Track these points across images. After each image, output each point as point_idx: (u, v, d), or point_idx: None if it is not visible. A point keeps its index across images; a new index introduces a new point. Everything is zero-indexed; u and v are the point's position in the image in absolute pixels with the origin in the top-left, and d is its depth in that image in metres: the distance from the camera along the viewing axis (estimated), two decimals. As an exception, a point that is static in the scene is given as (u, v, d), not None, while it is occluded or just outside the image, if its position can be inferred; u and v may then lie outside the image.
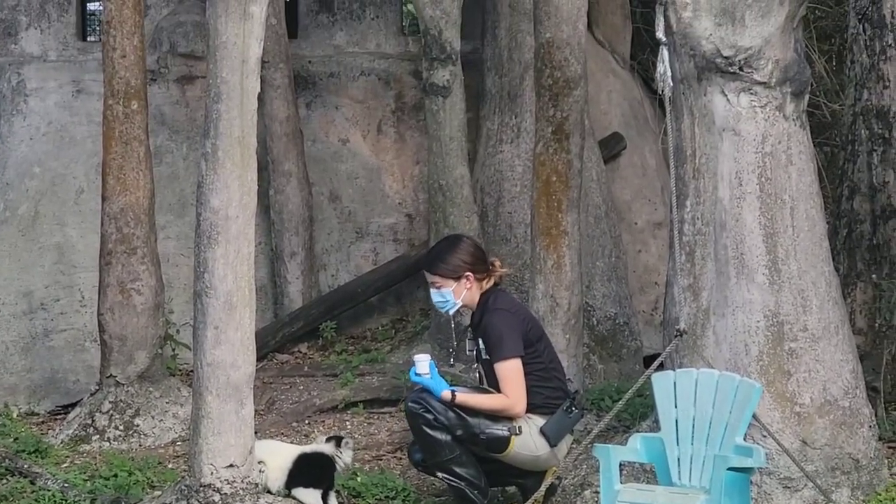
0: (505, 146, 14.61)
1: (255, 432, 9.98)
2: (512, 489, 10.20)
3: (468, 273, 9.41)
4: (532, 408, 9.39)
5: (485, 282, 9.54)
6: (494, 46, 14.70)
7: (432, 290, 9.61)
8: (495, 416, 9.36)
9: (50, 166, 14.83)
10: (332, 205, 15.82)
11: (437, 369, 9.35)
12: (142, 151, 12.52)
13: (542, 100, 11.96)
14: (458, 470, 9.40)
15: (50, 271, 14.44)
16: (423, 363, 9.19)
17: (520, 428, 9.32)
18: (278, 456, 10.07)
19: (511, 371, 9.27)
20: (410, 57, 16.06)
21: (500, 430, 9.35)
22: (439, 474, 9.54)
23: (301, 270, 15.36)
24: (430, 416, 9.28)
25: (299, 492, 9.95)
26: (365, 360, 14.55)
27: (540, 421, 9.39)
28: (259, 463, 9.82)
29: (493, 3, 14.61)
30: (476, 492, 9.43)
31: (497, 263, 9.71)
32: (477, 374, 9.74)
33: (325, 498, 9.97)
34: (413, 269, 15.40)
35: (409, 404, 9.48)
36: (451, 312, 9.68)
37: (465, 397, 9.27)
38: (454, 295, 9.44)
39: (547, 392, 9.52)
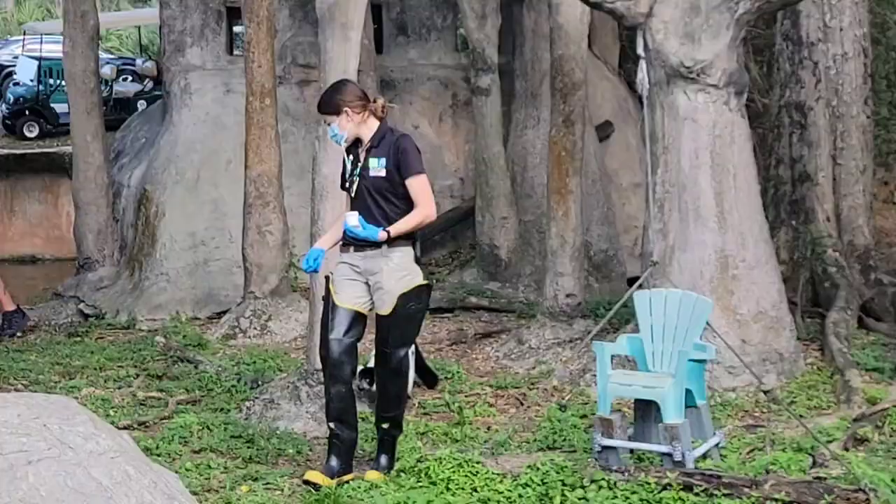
0: (528, 131, 14.56)
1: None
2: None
3: (346, 108, 7.58)
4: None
5: (364, 115, 7.64)
6: (521, 60, 14.62)
7: (327, 128, 7.85)
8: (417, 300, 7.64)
9: (208, 144, 14.86)
10: (407, 171, 15.80)
11: (364, 221, 7.49)
12: (272, 134, 12.53)
13: (555, 98, 11.90)
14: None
15: (208, 218, 14.49)
16: (352, 217, 7.52)
17: (427, 279, 7.81)
18: None
19: (425, 183, 7.63)
20: (462, 67, 16.03)
21: (427, 302, 7.84)
22: (332, 425, 7.75)
23: (385, 218, 15.35)
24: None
25: None
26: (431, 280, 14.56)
27: (409, 252, 7.69)
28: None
29: (521, 28, 14.52)
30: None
31: (379, 101, 7.79)
32: (354, 190, 7.73)
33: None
34: (464, 216, 15.38)
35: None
36: (342, 143, 7.74)
37: (397, 227, 7.51)
38: (339, 127, 7.63)
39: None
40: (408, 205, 7.60)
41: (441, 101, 16.08)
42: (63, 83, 19.40)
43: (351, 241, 7.65)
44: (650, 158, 10.37)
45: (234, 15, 15.44)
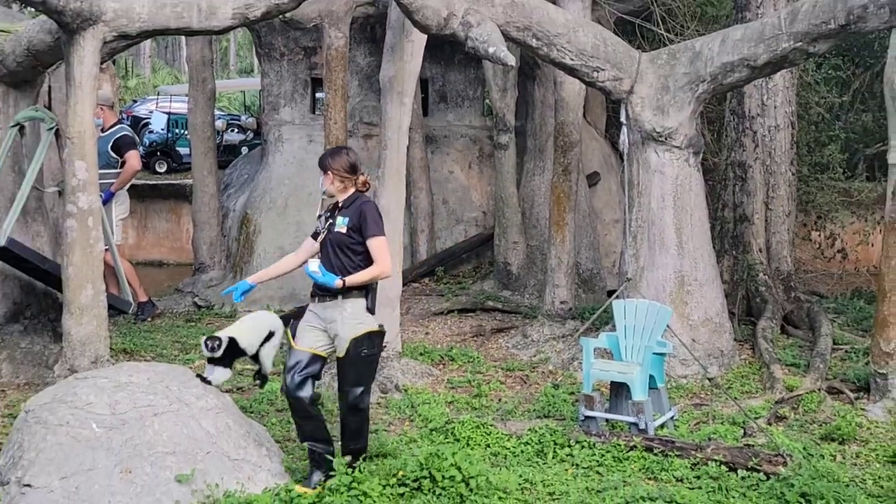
0: (536, 177, 14.51)
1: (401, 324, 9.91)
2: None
3: (331, 172, 6.79)
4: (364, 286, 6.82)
5: (346, 183, 6.86)
6: (532, 123, 14.58)
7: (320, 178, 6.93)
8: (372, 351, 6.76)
9: (294, 180, 14.85)
10: (444, 206, 15.77)
11: (324, 268, 6.71)
12: (343, 174, 12.49)
13: (557, 153, 11.89)
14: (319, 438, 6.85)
15: (293, 236, 14.45)
16: (314, 263, 6.71)
17: (380, 325, 6.82)
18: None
19: (384, 244, 6.72)
20: (487, 128, 15.97)
21: (379, 346, 6.90)
22: (307, 444, 6.82)
23: (426, 240, 15.31)
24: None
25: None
26: (458, 288, 14.51)
27: (361, 303, 6.78)
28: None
29: (532, 99, 14.48)
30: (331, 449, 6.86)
31: (362, 178, 6.92)
32: (320, 241, 6.94)
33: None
34: (485, 240, 15.36)
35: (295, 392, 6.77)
36: (322, 196, 7.00)
37: (352, 278, 6.69)
38: (323, 184, 6.84)
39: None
40: (364, 260, 6.78)
41: (470, 153, 16.06)
42: (186, 132, 19.51)
43: (316, 293, 6.85)
44: (627, 200, 10.37)
45: (316, 83, 15.48)
